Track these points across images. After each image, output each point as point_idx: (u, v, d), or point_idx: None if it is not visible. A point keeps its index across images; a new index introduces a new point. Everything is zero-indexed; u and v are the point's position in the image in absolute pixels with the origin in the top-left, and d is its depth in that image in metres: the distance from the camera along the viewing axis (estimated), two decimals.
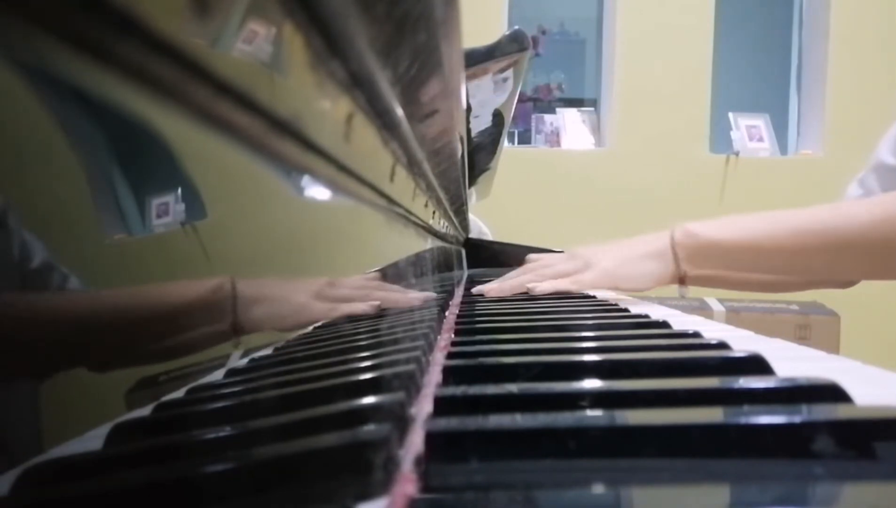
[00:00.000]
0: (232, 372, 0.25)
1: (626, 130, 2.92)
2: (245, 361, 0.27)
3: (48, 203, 0.16)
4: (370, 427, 0.17)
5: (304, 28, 0.24)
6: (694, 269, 0.75)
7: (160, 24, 0.16)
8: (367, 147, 0.40)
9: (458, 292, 0.84)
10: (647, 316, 0.50)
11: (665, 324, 0.45)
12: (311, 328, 0.30)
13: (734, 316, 2.39)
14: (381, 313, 0.42)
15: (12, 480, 0.15)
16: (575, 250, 0.84)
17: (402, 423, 0.20)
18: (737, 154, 2.91)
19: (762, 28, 3.95)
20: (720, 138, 3.01)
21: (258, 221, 0.28)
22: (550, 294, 0.80)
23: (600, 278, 0.76)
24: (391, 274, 0.51)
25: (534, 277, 0.79)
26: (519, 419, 0.19)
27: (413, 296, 0.43)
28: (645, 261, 0.76)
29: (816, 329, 2.43)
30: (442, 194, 0.83)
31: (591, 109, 3.16)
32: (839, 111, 2.86)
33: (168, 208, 0.20)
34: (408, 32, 0.29)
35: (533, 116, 3.19)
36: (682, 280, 0.75)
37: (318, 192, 0.35)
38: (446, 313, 0.58)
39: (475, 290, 0.81)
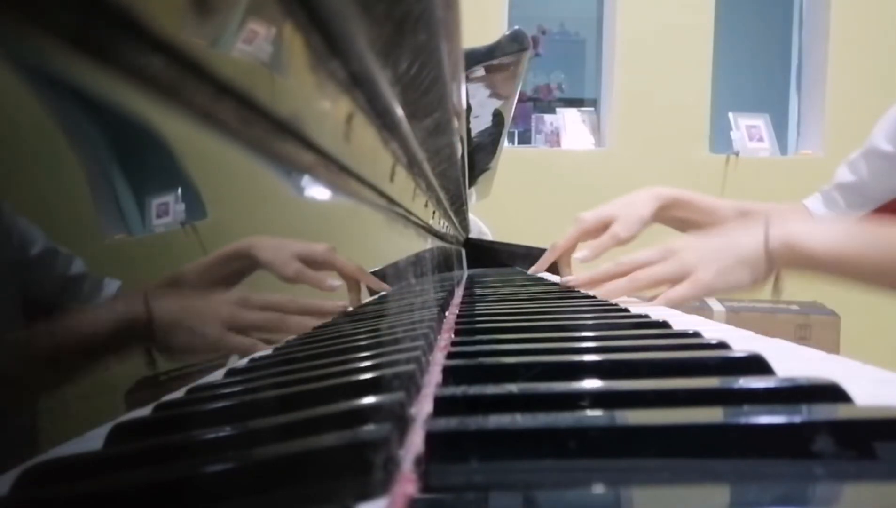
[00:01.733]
0: (232, 372, 0.25)
1: (626, 130, 2.92)
2: (245, 361, 0.27)
3: (48, 203, 0.16)
4: (370, 427, 0.17)
5: (304, 28, 0.24)
6: (788, 275, 0.73)
7: (160, 24, 0.16)
8: (367, 147, 0.40)
9: (458, 293, 0.84)
10: (646, 316, 0.49)
11: (665, 324, 0.45)
12: (310, 327, 0.30)
13: (734, 316, 2.39)
14: (380, 313, 0.42)
15: (12, 480, 0.15)
16: (669, 244, 0.76)
17: (402, 423, 0.20)
18: (737, 154, 2.91)
19: (762, 28, 3.95)
20: (720, 138, 3.01)
21: (258, 221, 0.28)
22: (553, 294, 0.80)
23: (699, 290, 0.72)
24: (391, 274, 0.51)
25: (629, 283, 0.74)
26: (519, 419, 0.19)
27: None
28: (739, 268, 0.72)
29: (816, 329, 2.43)
30: (442, 194, 0.83)
31: (591, 109, 3.16)
32: (839, 111, 2.86)
33: (168, 208, 0.20)
34: (408, 32, 0.29)
35: (533, 116, 3.19)
36: (775, 282, 0.73)
37: (318, 192, 0.35)
38: (446, 313, 0.58)
39: (564, 281, 0.85)
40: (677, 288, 0.72)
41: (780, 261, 0.71)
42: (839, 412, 0.21)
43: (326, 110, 0.31)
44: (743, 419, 0.19)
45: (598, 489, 0.16)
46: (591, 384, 0.25)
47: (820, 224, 0.76)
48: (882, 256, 0.69)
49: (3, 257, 0.15)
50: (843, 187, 1.07)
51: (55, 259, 0.16)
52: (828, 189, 1.10)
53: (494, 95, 1.18)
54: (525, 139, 3.23)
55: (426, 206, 0.75)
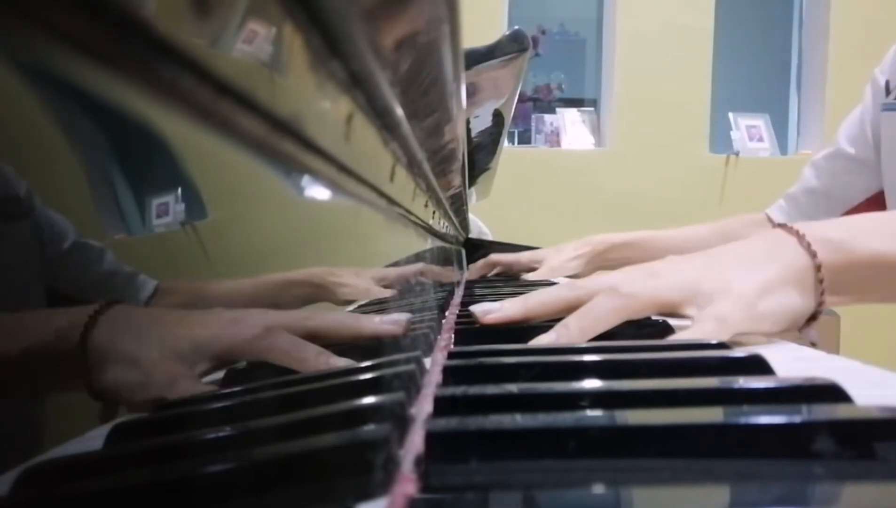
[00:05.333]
0: (232, 372, 0.25)
1: (626, 130, 2.92)
2: (245, 361, 0.27)
3: (48, 203, 0.16)
4: (370, 427, 0.17)
5: (304, 28, 0.24)
6: (839, 299, 0.48)
7: (160, 24, 0.16)
8: (367, 147, 0.40)
9: (458, 292, 0.84)
10: (646, 316, 0.49)
11: (665, 324, 0.45)
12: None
13: None
14: (380, 313, 0.42)
15: (12, 480, 0.15)
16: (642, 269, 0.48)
17: (402, 423, 0.20)
18: (737, 154, 2.92)
19: (762, 28, 3.95)
20: (720, 138, 3.01)
21: (258, 221, 0.28)
22: None
23: (742, 317, 0.43)
24: (391, 274, 0.51)
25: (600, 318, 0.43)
26: (519, 419, 0.19)
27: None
28: (787, 290, 0.45)
29: (816, 329, 2.43)
30: (442, 194, 0.83)
31: (591, 109, 3.16)
32: (839, 111, 2.85)
33: (168, 208, 0.20)
34: (408, 32, 0.29)
35: (533, 116, 3.19)
36: (813, 316, 0.47)
37: (318, 192, 0.35)
38: (446, 314, 0.58)
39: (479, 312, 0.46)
40: (704, 322, 0.43)
41: (832, 274, 0.46)
42: (839, 412, 0.21)
43: (326, 110, 0.31)
44: (743, 419, 0.19)
45: (598, 489, 0.16)
46: (591, 384, 0.25)
47: (850, 222, 0.51)
48: None
49: (5, 255, 0.15)
50: (811, 192, 1.04)
51: (65, 258, 0.16)
52: (793, 192, 1.07)
53: (494, 95, 1.18)
54: (525, 139, 3.23)
55: (426, 206, 0.75)
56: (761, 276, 0.45)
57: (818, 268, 0.46)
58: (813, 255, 0.46)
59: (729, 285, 0.45)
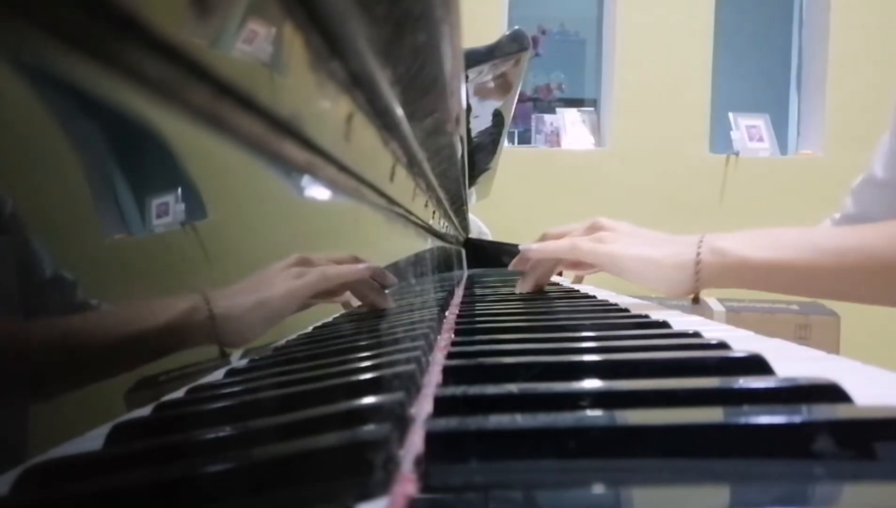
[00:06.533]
0: (232, 372, 0.25)
1: (626, 130, 2.92)
2: (245, 361, 0.27)
3: (48, 204, 0.16)
4: (370, 427, 0.17)
5: (304, 28, 0.24)
6: (716, 286, 0.71)
7: (160, 24, 0.16)
8: (367, 147, 0.40)
9: (458, 292, 0.84)
10: (646, 316, 0.50)
11: (665, 324, 0.45)
12: (309, 328, 0.30)
13: (734, 316, 2.39)
14: (380, 313, 0.42)
15: (12, 480, 0.15)
16: (607, 223, 0.78)
17: (402, 423, 0.20)
18: (737, 154, 2.92)
19: (762, 28, 3.95)
20: (720, 138, 3.01)
21: (258, 221, 0.28)
22: (553, 294, 0.80)
23: (606, 260, 0.72)
24: (391, 274, 0.51)
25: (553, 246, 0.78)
26: (519, 419, 0.19)
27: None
28: (664, 268, 0.71)
29: (816, 329, 2.43)
30: (442, 194, 0.83)
31: (591, 109, 3.16)
32: (839, 111, 2.86)
33: (168, 208, 0.20)
34: (408, 32, 0.29)
35: (533, 116, 3.19)
36: (695, 298, 0.72)
37: (318, 192, 0.35)
38: (446, 313, 0.58)
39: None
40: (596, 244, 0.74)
41: (711, 269, 0.69)
42: (839, 412, 0.21)
43: (326, 110, 0.31)
44: (743, 419, 0.19)
45: (598, 489, 0.16)
46: (591, 384, 0.25)
47: (747, 232, 0.73)
48: (816, 257, 0.68)
49: (4, 257, 0.15)
50: (848, 219, 1.03)
51: (55, 261, 0.16)
52: (837, 219, 1.08)
53: (494, 94, 1.18)
54: (525, 139, 3.23)
55: (426, 206, 0.75)
56: (647, 252, 0.72)
57: (697, 263, 0.70)
58: (697, 253, 0.70)
59: (615, 242, 0.73)
